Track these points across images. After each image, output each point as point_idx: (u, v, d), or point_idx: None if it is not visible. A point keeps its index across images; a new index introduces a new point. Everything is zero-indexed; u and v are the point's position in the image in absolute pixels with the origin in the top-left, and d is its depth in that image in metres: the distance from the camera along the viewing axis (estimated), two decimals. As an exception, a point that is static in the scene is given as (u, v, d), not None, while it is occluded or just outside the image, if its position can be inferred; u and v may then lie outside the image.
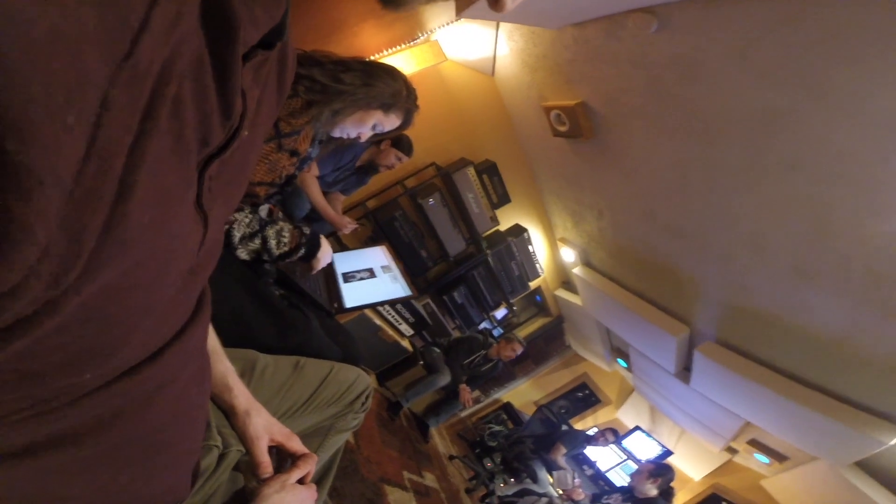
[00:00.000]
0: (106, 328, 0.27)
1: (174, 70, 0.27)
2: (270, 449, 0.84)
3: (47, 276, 0.22)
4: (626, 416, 6.44)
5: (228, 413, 0.81)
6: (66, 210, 0.21)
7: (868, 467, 2.94)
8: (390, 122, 1.50)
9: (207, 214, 0.35)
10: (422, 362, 3.76)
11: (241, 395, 0.82)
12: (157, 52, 0.24)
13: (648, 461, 4.17)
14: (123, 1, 0.22)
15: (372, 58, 2.84)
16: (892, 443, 2.37)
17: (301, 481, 0.80)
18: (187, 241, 0.34)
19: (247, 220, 1.24)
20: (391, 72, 1.44)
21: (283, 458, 0.84)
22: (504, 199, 4.45)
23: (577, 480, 4.16)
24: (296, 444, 0.84)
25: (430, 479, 3.27)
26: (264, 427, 0.81)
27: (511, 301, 4.94)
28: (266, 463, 0.78)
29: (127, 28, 0.22)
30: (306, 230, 1.36)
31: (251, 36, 0.35)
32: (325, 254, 1.44)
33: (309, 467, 0.82)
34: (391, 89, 1.42)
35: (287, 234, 1.31)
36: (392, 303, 2.24)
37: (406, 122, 1.56)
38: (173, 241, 0.31)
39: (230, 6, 0.30)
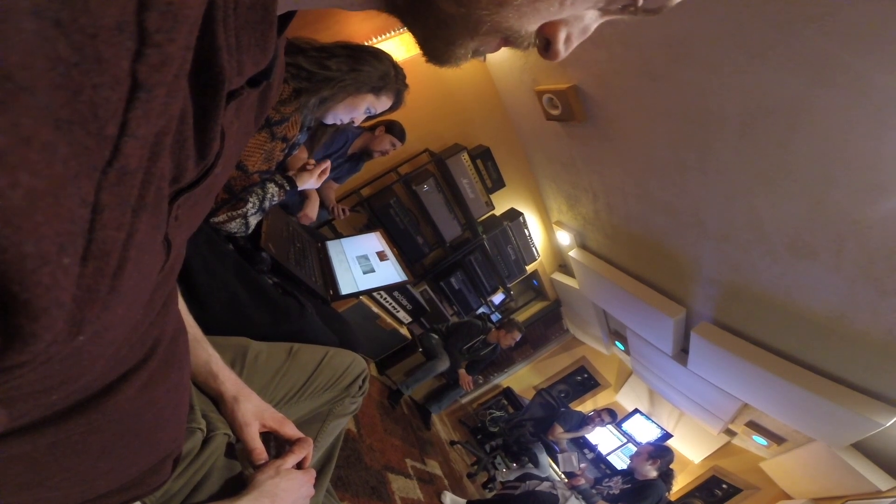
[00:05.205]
0: (78, 361, 0.28)
1: (164, 143, 0.26)
2: (267, 436, 0.83)
3: (47, 353, 0.24)
4: (626, 399, 6.48)
5: (216, 400, 0.80)
6: (70, 310, 0.23)
7: (865, 449, 2.96)
8: (382, 104, 1.53)
9: (171, 243, 0.35)
10: (421, 349, 3.76)
11: (228, 381, 0.81)
12: (146, 139, 0.24)
13: (648, 443, 4.20)
14: (91, 114, 0.20)
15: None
16: (889, 424, 2.38)
17: (300, 466, 0.80)
18: (152, 274, 0.33)
19: (253, 207, 1.29)
20: (376, 54, 1.45)
21: (282, 445, 0.83)
22: (499, 184, 4.43)
23: (582, 465, 4.17)
24: (289, 429, 0.83)
25: (432, 466, 3.29)
26: (254, 413, 0.80)
27: (508, 285, 4.94)
28: (259, 449, 0.77)
29: (103, 139, 0.21)
30: (277, 178, 1.41)
31: (236, 84, 0.34)
32: (305, 181, 1.51)
33: (305, 451, 0.81)
34: (379, 71, 1.43)
35: (275, 193, 1.37)
36: (388, 288, 2.23)
37: (397, 103, 1.58)
38: (142, 280, 0.31)
39: (219, 64, 0.29)
